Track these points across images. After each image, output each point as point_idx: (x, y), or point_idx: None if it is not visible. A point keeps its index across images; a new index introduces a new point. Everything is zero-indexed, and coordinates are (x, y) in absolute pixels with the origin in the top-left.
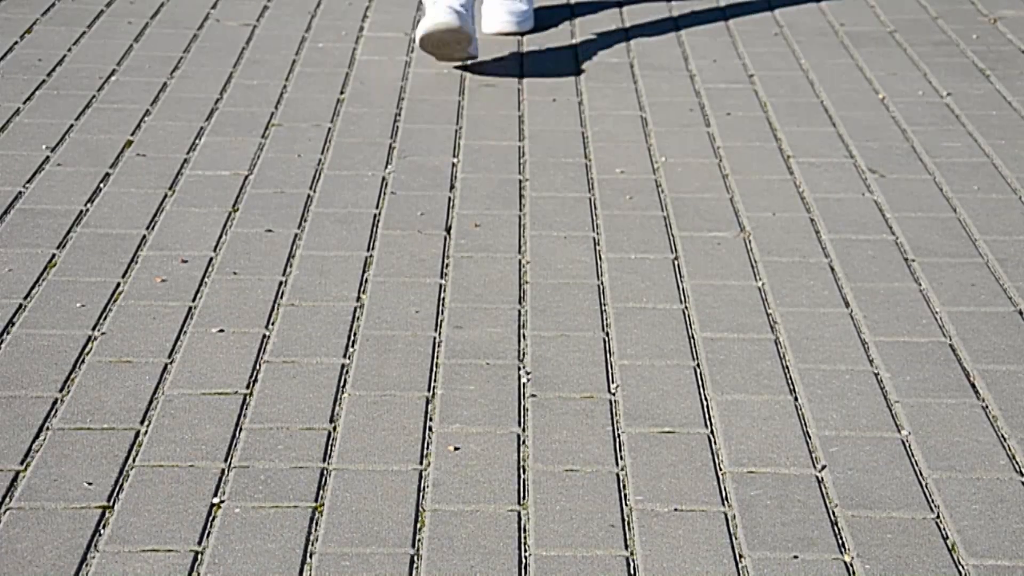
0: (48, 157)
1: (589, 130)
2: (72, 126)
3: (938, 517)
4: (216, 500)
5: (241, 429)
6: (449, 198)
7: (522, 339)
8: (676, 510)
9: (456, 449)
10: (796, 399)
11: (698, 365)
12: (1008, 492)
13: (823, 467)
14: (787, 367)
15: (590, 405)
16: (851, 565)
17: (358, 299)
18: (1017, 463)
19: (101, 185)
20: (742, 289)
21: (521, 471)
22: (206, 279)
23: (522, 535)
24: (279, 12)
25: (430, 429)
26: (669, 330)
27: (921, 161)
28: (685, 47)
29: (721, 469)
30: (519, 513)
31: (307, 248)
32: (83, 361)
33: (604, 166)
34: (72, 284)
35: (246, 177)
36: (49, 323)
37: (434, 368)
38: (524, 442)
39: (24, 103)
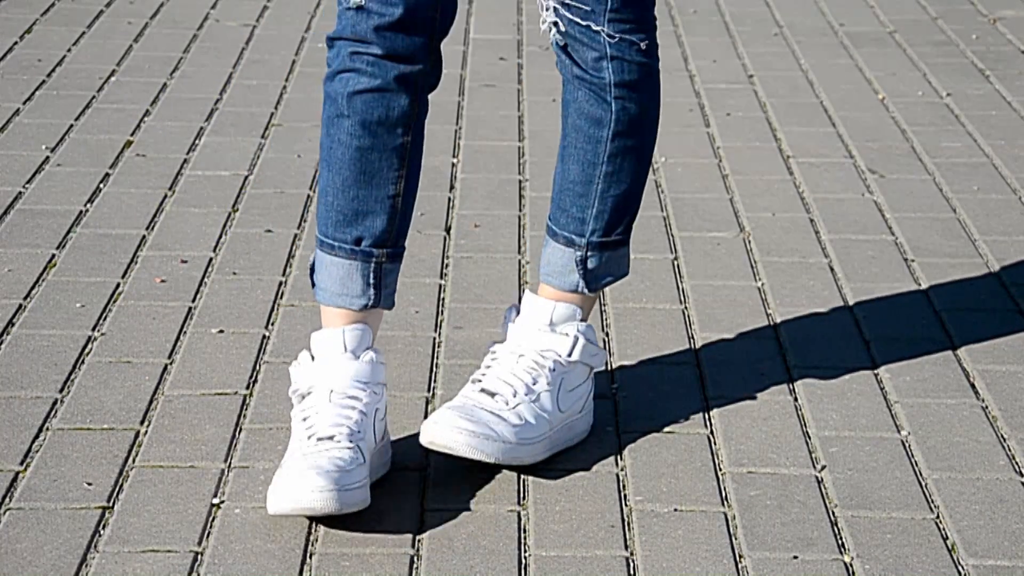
0: (48, 157)
1: None
2: (72, 126)
3: (938, 517)
4: (216, 500)
5: (241, 429)
6: (449, 198)
7: None
8: (676, 510)
9: None
10: (796, 399)
11: (698, 365)
12: (1008, 492)
13: (823, 467)
14: (787, 367)
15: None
16: (851, 565)
17: None
18: (1017, 463)
19: (101, 185)
20: (742, 289)
21: (521, 471)
22: (206, 279)
23: (522, 535)
24: (279, 12)
25: None
26: (669, 330)
27: (921, 161)
28: (685, 47)
29: (721, 469)
30: (519, 513)
31: (307, 248)
32: (83, 361)
33: None
34: (72, 284)
35: (246, 177)
36: (49, 323)
37: (434, 368)
38: None
39: (24, 103)
